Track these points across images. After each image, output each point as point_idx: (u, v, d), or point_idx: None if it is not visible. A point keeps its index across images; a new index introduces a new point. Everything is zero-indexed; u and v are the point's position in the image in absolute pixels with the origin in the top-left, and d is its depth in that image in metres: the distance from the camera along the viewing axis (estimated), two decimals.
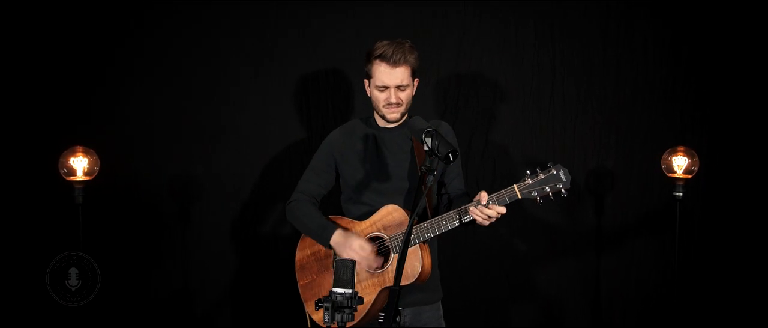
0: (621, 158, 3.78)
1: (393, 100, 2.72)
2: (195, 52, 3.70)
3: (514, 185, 2.57)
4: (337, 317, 1.98)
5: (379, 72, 2.71)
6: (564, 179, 2.54)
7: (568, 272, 3.83)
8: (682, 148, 3.54)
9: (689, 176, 3.51)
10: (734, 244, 3.75)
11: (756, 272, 3.74)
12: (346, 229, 2.77)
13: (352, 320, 2.03)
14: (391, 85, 2.71)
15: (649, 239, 3.80)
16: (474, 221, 2.59)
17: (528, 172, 2.56)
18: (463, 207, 2.60)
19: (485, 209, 2.54)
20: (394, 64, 2.68)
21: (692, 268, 3.74)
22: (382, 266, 2.72)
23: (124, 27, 3.66)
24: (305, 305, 2.84)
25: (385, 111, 2.76)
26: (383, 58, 2.69)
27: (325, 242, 2.74)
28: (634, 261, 3.82)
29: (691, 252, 3.74)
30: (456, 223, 2.61)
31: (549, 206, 2.72)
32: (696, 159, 3.52)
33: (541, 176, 2.54)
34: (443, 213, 2.65)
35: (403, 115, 2.80)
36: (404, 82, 2.72)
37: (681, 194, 3.49)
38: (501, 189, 2.57)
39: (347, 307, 1.98)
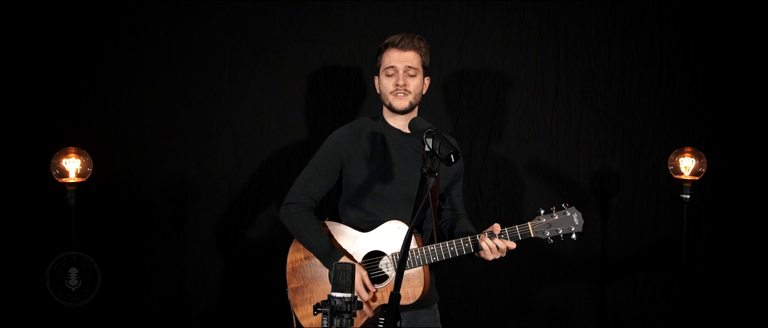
0: (627, 159, 3.75)
1: (401, 81, 2.70)
2: (190, 51, 3.66)
3: (529, 223, 2.59)
4: (336, 322, 1.96)
5: (388, 57, 2.74)
6: (577, 223, 2.58)
7: (572, 277, 3.79)
8: (689, 149, 3.51)
9: (697, 178, 3.48)
10: (743, 247, 3.71)
11: (766, 277, 3.69)
12: (350, 255, 2.73)
13: (351, 325, 2.00)
14: (399, 67, 2.70)
15: (656, 242, 3.76)
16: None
17: (541, 211, 2.60)
18: (473, 237, 2.59)
19: (498, 242, 2.55)
20: (403, 48, 2.71)
21: (700, 272, 3.71)
22: (381, 283, 2.68)
23: (118, 25, 3.62)
24: (294, 309, 2.79)
25: (391, 98, 2.73)
26: (392, 44, 2.74)
27: (327, 265, 2.71)
28: (640, 265, 3.78)
29: (699, 256, 3.70)
30: (464, 251, 2.60)
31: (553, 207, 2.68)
32: (704, 160, 3.48)
33: (555, 217, 2.59)
34: (445, 232, 2.66)
35: (411, 106, 2.75)
36: (413, 65, 2.71)
37: (688, 196, 3.46)
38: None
39: (346, 312, 1.96)
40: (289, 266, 2.81)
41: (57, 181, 3.29)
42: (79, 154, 3.31)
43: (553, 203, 2.64)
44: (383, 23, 3.65)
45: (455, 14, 3.70)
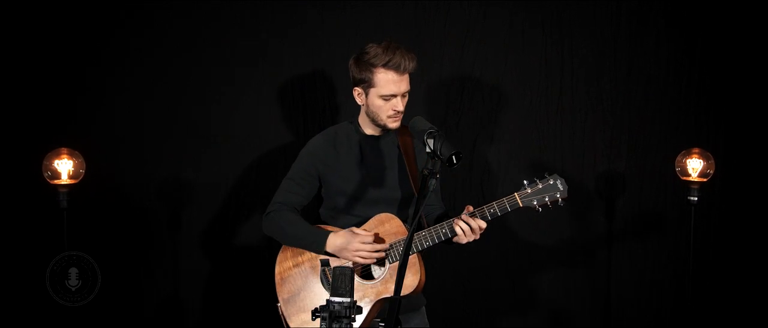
0: (633, 161, 3.71)
1: (400, 107, 2.66)
2: (186, 52, 3.62)
3: (515, 194, 2.64)
4: (335, 326, 1.91)
5: (387, 81, 2.62)
6: (561, 189, 2.64)
7: (577, 280, 3.76)
8: (696, 150, 3.47)
9: (704, 180, 3.44)
10: (751, 250, 3.67)
11: None
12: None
13: None
14: (399, 94, 2.64)
15: (662, 245, 3.73)
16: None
17: (525, 182, 2.66)
18: (449, 222, 2.60)
19: (470, 220, 2.55)
20: (404, 71, 2.62)
21: (707, 276, 3.66)
22: (377, 277, 2.65)
23: (113, 25, 3.57)
24: (288, 321, 2.72)
25: (388, 121, 2.69)
26: (391, 66, 2.60)
27: (320, 247, 2.66)
28: (646, 268, 3.74)
29: (707, 259, 3.65)
30: (442, 237, 2.62)
31: (558, 210, 2.70)
32: (711, 162, 3.45)
33: (539, 186, 2.64)
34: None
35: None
36: (409, 89, 2.68)
37: (696, 198, 3.42)
38: (502, 196, 2.63)
39: (345, 317, 1.92)
40: (277, 277, 2.76)
41: (49, 182, 3.24)
42: (71, 156, 3.26)
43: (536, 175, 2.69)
44: (383, 23, 3.61)
45: (456, 13, 3.66)
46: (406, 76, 2.64)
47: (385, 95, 2.63)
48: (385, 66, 2.60)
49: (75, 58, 3.52)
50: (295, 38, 3.63)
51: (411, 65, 2.62)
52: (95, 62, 3.55)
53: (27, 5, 3.48)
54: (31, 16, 3.49)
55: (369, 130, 2.77)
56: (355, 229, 2.64)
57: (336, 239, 2.63)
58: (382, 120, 2.69)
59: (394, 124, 2.69)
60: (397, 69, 2.59)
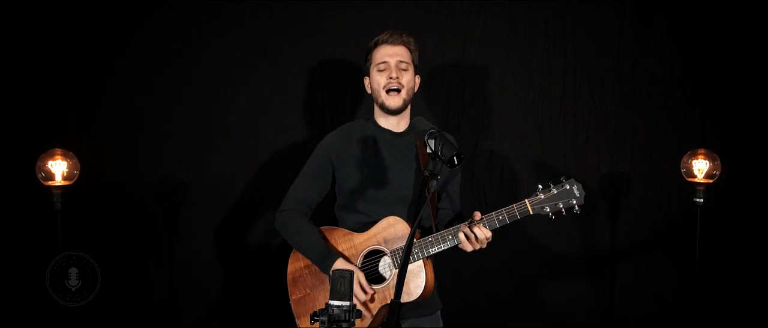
0: (637, 162, 3.69)
1: (394, 74, 2.68)
2: (184, 51, 3.59)
3: (526, 200, 2.56)
4: None
5: (380, 54, 2.74)
6: (578, 195, 2.55)
7: (580, 284, 3.74)
8: (702, 151, 3.45)
9: (710, 181, 3.42)
10: (758, 253, 3.64)
11: None
12: (345, 256, 2.68)
13: None
14: (391, 61, 2.71)
15: (667, 247, 3.70)
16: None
17: (539, 186, 2.57)
18: (456, 228, 2.57)
19: (475, 229, 2.51)
20: (393, 43, 2.74)
21: (713, 279, 3.63)
22: (383, 282, 2.64)
23: (110, 23, 3.54)
24: (297, 321, 2.74)
25: (384, 97, 2.72)
26: (382, 41, 2.76)
27: (325, 271, 2.66)
28: (650, 271, 3.71)
29: (713, 262, 3.63)
30: (458, 241, 2.57)
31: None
32: (717, 163, 3.42)
33: (554, 191, 2.55)
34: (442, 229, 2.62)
35: (405, 103, 2.74)
36: (405, 60, 2.72)
37: (701, 200, 3.39)
38: (510, 201, 2.56)
39: (345, 321, 1.92)
40: (289, 277, 2.77)
41: (42, 184, 3.21)
42: (65, 157, 3.23)
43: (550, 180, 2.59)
44: (383, 23, 3.55)
45: (456, 13, 3.65)
46: (399, 48, 2.73)
47: (379, 65, 2.72)
48: (377, 43, 2.76)
49: (72, 57, 3.50)
50: (295, 38, 3.61)
51: (401, 38, 2.73)
52: (93, 62, 3.53)
53: (24, 5, 3.45)
54: (27, 16, 3.46)
55: (383, 122, 2.78)
56: (360, 275, 2.58)
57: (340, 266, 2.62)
58: (380, 97, 2.72)
59: (391, 101, 2.70)
60: (386, 41, 2.73)
